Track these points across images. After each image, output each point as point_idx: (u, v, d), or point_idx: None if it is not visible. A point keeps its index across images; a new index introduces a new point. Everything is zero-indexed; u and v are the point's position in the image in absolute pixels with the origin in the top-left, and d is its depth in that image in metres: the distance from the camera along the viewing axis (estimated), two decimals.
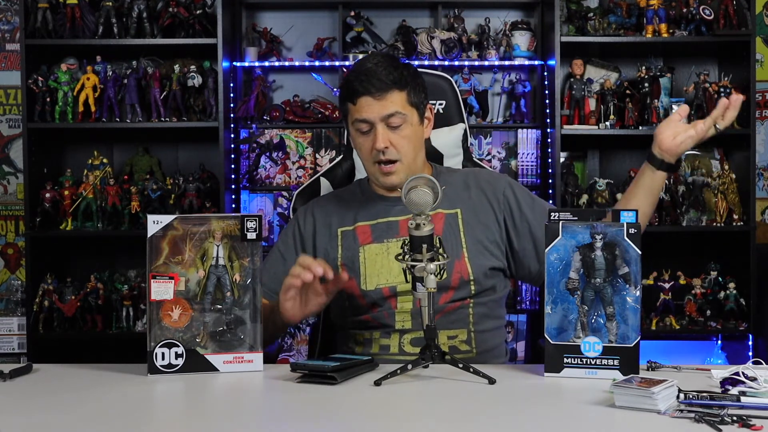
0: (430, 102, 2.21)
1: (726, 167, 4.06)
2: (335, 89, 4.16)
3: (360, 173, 2.38)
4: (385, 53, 2.18)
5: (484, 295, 2.10)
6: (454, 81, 2.47)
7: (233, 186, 4.06)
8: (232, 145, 4.06)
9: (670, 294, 3.92)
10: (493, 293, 2.13)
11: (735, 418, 1.42)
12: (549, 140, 4.01)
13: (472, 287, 2.07)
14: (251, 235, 1.84)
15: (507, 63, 4.14)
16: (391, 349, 2.06)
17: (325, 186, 2.40)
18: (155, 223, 1.81)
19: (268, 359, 1.90)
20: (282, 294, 1.91)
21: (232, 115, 4.04)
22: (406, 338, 2.06)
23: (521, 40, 4.14)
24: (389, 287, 2.07)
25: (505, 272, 2.15)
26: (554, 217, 1.79)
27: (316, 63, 4.17)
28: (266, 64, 4.18)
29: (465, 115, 2.45)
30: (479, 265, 2.08)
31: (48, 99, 3.91)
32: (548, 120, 4.01)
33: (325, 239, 2.15)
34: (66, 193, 3.95)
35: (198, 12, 3.92)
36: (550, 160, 4.00)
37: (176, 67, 3.97)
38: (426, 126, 2.16)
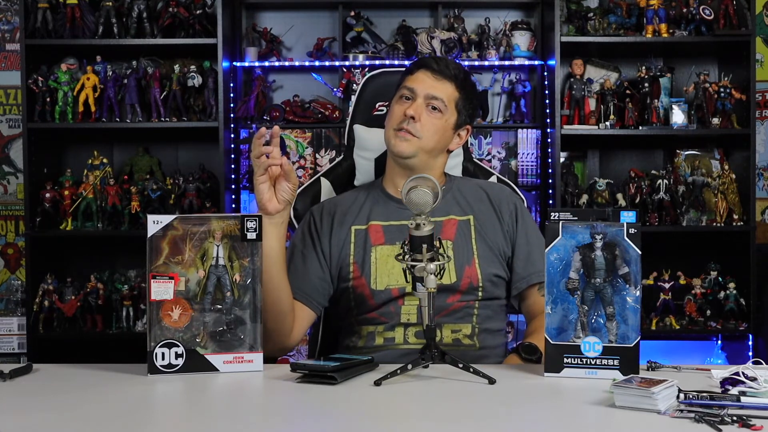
0: None
1: (726, 167, 4.06)
2: (335, 89, 4.16)
3: (360, 173, 2.38)
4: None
5: (489, 301, 2.13)
6: None
7: (233, 186, 4.06)
8: (232, 145, 4.06)
9: (670, 294, 3.92)
10: (498, 300, 2.16)
11: (735, 418, 1.42)
12: (549, 140, 4.01)
13: (480, 293, 2.10)
14: (251, 235, 1.84)
15: (507, 63, 4.14)
16: (396, 340, 2.07)
17: (326, 186, 2.40)
18: (155, 223, 1.81)
19: (268, 359, 1.89)
20: (256, 177, 1.91)
21: (232, 115, 4.04)
22: (411, 330, 2.07)
23: (521, 40, 4.14)
24: (398, 288, 2.08)
25: (509, 284, 2.18)
26: (554, 217, 1.79)
27: (316, 63, 4.17)
28: (266, 64, 4.18)
29: None
30: (488, 272, 2.11)
31: (48, 99, 3.91)
32: (548, 120, 4.01)
33: (339, 237, 2.15)
34: (66, 193, 3.95)
35: (198, 12, 3.92)
36: (550, 160, 4.00)
37: (176, 67, 3.97)
38: (456, 140, 2.19)
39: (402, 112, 2.11)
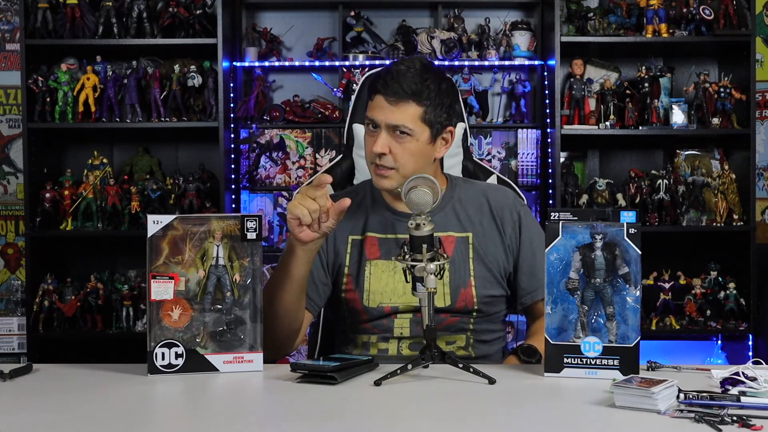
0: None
1: (726, 167, 4.06)
2: (335, 89, 4.16)
3: (359, 173, 2.38)
4: (427, 61, 2.08)
5: (485, 316, 2.10)
6: (454, 81, 2.46)
7: (233, 186, 4.06)
8: (232, 145, 4.06)
9: (670, 294, 3.92)
10: (495, 314, 2.14)
11: (735, 418, 1.42)
12: (549, 140, 4.01)
13: (475, 314, 2.08)
14: (251, 235, 1.84)
15: (507, 63, 4.14)
16: (390, 352, 2.06)
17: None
18: (155, 223, 1.81)
19: (268, 359, 1.89)
20: (293, 227, 1.86)
21: (232, 115, 4.03)
22: (405, 343, 2.06)
23: (521, 40, 4.14)
24: (391, 306, 2.06)
25: (508, 299, 2.16)
26: (554, 217, 1.79)
27: (316, 63, 4.17)
28: (266, 64, 4.18)
29: (465, 115, 2.44)
30: (484, 294, 2.08)
31: (48, 99, 3.91)
32: (548, 120, 4.01)
33: (337, 244, 2.13)
34: (66, 193, 3.95)
35: (198, 12, 3.92)
36: (550, 160, 4.00)
37: (176, 67, 3.97)
38: (441, 146, 2.08)
39: (371, 147, 2.02)
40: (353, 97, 2.45)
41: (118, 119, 3.98)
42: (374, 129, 2.03)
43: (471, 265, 2.08)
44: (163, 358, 1.79)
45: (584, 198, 3.99)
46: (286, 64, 4.19)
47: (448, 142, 2.10)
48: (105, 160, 4.06)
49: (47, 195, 3.93)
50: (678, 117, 4.00)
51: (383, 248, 2.10)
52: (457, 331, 2.08)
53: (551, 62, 3.97)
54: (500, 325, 2.18)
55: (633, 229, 1.74)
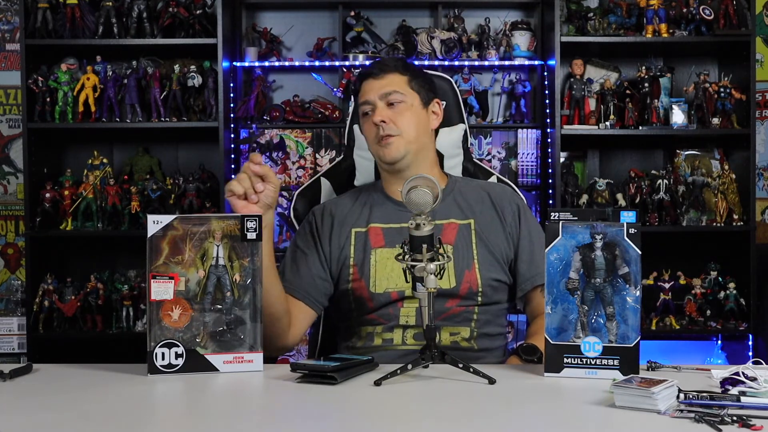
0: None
1: (726, 167, 4.06)
2: (335, 89, 4.16)
3: (360, 173, 2.39)
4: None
5: (489, 306, 2.12)
6: (454, 81, 2.47)
7: None
8: (232, 145, 4.06)
9: (670, 294, 3.92)
10: (498, 304, 2.15)
11: (735, 418, 1.42)
12: (549, 140, 4.01)
13: (479, 298, 2.10)
14: (251, 235, 1.84)
15: (507, 63, 4.14)
16: (395, 341, 2.08)
17: (326, 186, 2.40)
18: (155, 223, 1.80)
19: (268, 359, 1.90)
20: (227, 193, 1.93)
21: (232, 115, 4.04)
22: (409, 332, 2.08)
23: (521, 40, 4.14)
24: (398, 292, 2.08)
25: (510, 288, 2.18)
26: (554, 217, 1.79)
27: (316, 63, 4.17)
28: (266, 64, 4.18)
29: (465, 116, 2.45)
30: (488, 277, 2.11)
31: (48, 99, 3.91)
32: (548, 120, 4.01)
33: (339, 238, 2.16)
34: (66, 193, 3.95)
35: (198, 12, 3.92)
36: (550, 160, 4.00)
37: (176, 67, 3.97)
38: (433, 118, 2.21)
39: (372, 124, 2.13)
40: (353, 98, 2.46)
41: (118, 119, 3.98)
42: (370, 111, 2.15)
43: (474, 249, 2.12)
44: (163, 358, 1.79)
45: (584, 198, 4.00)
46: (286, 64, 4.19)
47: (438, 115, 2.23)
48: (105, 160, 4.06)
49: (47, 195, 3.93)
50: (678, 117, 4.00)
51: (387, 237, 2.13)
52: (461, 321, 2.09)
53: (551, 62, 3.97)
54: (503, 320, 2.20)
55: (633, 229, 1.74)
